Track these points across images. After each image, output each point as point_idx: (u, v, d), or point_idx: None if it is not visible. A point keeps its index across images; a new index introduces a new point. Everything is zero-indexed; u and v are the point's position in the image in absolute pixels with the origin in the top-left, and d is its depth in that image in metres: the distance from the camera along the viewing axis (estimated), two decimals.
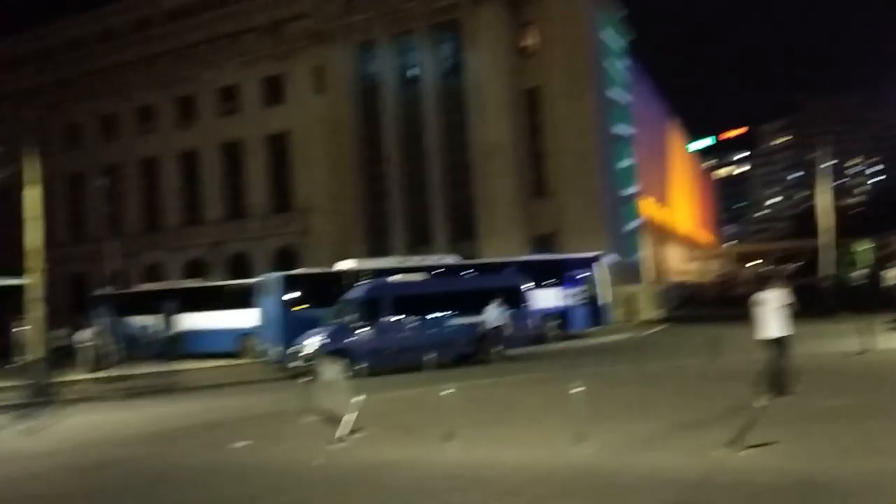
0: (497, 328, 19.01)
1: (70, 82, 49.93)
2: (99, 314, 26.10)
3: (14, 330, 23.92)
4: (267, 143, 43.76)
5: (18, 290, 20.49)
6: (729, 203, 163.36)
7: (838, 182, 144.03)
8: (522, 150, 37.76)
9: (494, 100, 37.05)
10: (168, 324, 26.97)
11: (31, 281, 18.51)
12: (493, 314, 19.03)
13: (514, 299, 20.51)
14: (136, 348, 23.11)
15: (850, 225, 58.04)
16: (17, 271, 20.12)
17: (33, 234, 18.61)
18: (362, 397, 9.82)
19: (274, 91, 43.46)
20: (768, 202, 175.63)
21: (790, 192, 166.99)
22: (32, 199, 18.75)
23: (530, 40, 38.42)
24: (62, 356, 22.49)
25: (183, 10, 49.46)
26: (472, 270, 24.90)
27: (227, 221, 44.65)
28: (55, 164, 46.71)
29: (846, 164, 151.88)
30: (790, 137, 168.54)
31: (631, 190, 45.17)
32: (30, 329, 18.75)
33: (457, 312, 19.37)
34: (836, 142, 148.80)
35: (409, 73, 39.76)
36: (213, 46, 45.52)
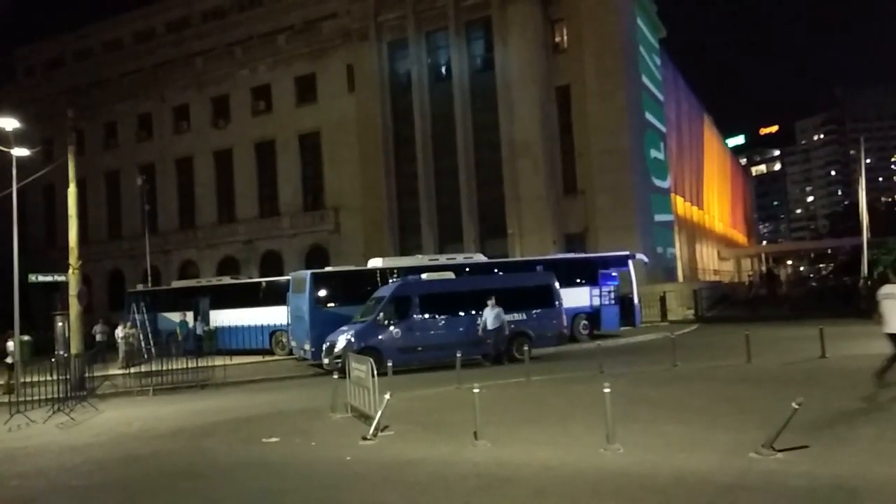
0: (495, 330, 18.42)
1: (107, 82, 51.04)
2: (134, 310, 26.57)
3: (59, 324, 24.53)
4: (299, 141, 44.16)
5: (60, 285, 20.99)
6: (764, 201, 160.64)
7: (881, 179, 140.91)
8: (553, 147, 37.54)
9: (525, 97, 36.87)
10: (201, 320, 27.47)
11: (70, 278, 18.93)
12: (490, 316, 18.44)
13: (544, 298, 20.38)
14: (170, 344, 23.48)
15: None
16: (60, 267, 20.61)
17: (72, 232, 19.02)
18: (391, 395, 9.83)
19: (306, 90, 43.83)
20: (805, 200, 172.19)
21: (828, 190, 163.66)
22: (71, 197, 19.16)
23: (561, 37, 38.18)
24: (99, 351, 22.99)
25: (217, 12, 50.27)
26: (500, 269, 24.81)
27: (259, 219, 45.16)
28: (92, 162, 47.91)
29: (891, 160, 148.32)
30: (828, 134, 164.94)
31: (663, 187, 44.64)
32: (69, 324, 19.20)
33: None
34: (878, 138, 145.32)
35: (440, 71, 39.76)
36: (246, 46, 46.09)
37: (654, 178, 42.44)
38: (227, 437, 10.89)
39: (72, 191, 19.15)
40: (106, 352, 23.77)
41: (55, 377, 15.03)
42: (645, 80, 42.46)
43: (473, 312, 19.12)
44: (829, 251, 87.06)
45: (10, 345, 20.83)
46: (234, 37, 47.61)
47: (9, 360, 19.61)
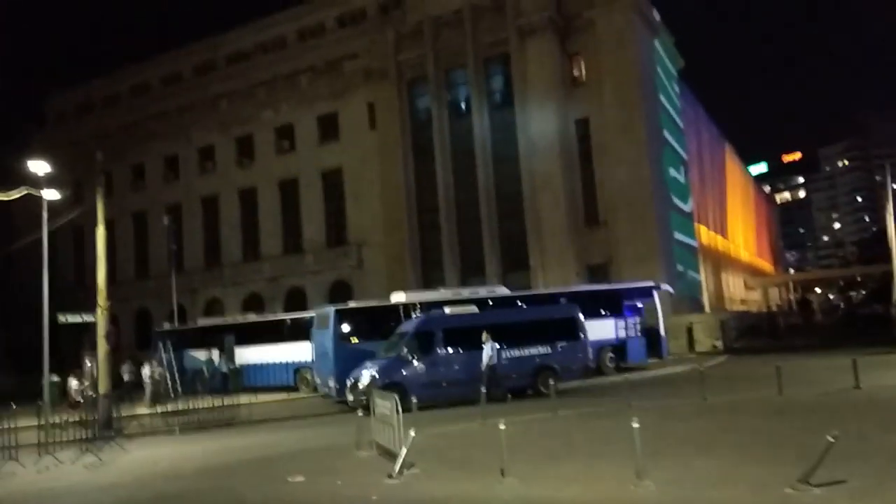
0: (490, 368, 17.89)
1: (135, 125, 52.21)
2: (160, 349, 26.78)
3: (87, 364, 24.80)
4: (322, 178, 44.70)
5: (88, 325, 21.27)
6: (789, 229, 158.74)
7: None
8: (573, 179, 37.58)
9: (544, 131, 37.03)
10: (226, 358, 27.61)
11: (98, 317, 19.16)
12: (485, 352, 17.94)
13: (569, 331, 20.21)
14: (196, 382, 23.57)
15: None
16: (88, 306, 20.91)
17: (101, 273, 19.31)
18: (416, 432, 9.76)
19: (328, 128, 44.47)
20: (831, 227, 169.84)
21: (855, 217, 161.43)
22: (100, 238, 19.51)
23: (580, 71, 38.45)
24: (126, 390, 23.16)
25: (242, 54, 51.42)
26: (524, 302, 24.69)
27: (283, 256, 45.54)
28: (120, 203, 48.85)
29: None
30: (852, 160, 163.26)
31: (684, 209, 44.34)
32: (97, 363, 19.40)
33: (510, 345, 19.12)
34: None
35: (460, 107, 40.19)
36: (270, 87, 47.03)
37: (679, 213, 42.19)
38: (253, 477, 10.86)
39: (100, 232, 19.49)
40: (133, 391, 23.93)
41: (84, 417, 15.13)
42: (664, 102, 42.48)
43: (498, 347, 19.00)
44: (859, 278, 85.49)
45: (75, 383, 21.18)
46: (258, 78, 48.59)
47: (76, 396, 19.87)
